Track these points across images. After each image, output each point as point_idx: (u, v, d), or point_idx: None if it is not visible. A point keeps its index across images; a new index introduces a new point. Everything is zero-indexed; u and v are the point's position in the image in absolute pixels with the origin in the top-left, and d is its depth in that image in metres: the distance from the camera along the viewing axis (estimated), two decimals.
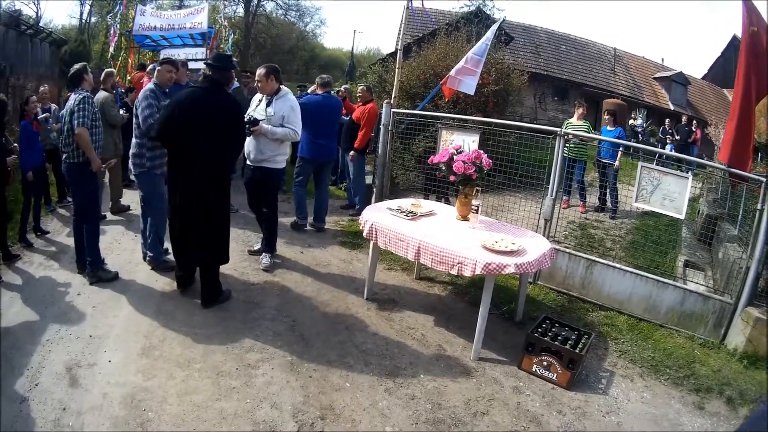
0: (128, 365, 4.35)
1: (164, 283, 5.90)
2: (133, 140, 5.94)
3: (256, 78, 6.28)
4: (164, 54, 16.62)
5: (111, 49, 16.63)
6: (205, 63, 5.52)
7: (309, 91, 8.45)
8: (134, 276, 6.08)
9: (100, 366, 4.31)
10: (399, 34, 9.34)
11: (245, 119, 6.01)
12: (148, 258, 6.27)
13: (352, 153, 8.91)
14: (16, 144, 6.42)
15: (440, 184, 7.42)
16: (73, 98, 5.64)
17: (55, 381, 4.08)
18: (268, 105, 6.23)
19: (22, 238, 6.90)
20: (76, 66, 5.92)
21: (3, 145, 6.14)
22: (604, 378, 4.70)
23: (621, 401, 4.38)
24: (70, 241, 6.97)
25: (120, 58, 16.77)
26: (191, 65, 11.72)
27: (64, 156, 5.79)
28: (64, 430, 3.58)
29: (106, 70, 9.42)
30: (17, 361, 4.30)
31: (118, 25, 17.05)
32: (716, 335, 5.49)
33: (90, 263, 5.93)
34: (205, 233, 5.24)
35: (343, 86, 10.88)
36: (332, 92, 8.46)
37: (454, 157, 5.26)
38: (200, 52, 15.60)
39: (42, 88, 8.83)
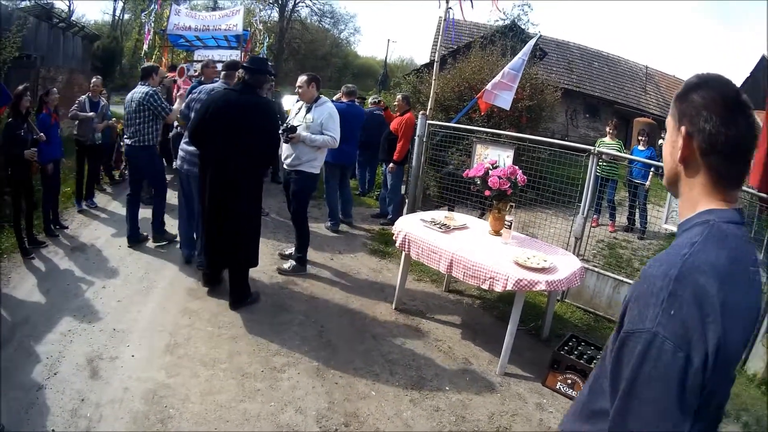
0: (151, 361, 4.39)
1: (192, 281, 5.96)
2: None
3: (297, 84, 6.35)
4: (198, 55, 16.75)
5: (145, 47, 16.73)
6: (241, 66, 5.57)
7: (334, 98, 8.59)
8: (161, 273, 6.15)
9: (123, 360, 4.36)
10: (436, 45, 9.27)
11: (284, 127, 6.10)
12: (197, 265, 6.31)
13: (391, 165, 8.99)
14: (42, 134, 6.49)
15: (469, 197, 7.43)
16: (141, 92, 6.47)
17: (74, 372, 4.13)
18: (307, 112, 6.32)
19: (47, 230, 7.00)
20: (149, 64, 7.28)
21: (23, 136, 6.22)
22: None
23: None
24: (97, 233, 7.21)
25: (153, 57, 16.91)
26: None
27: (130, 141, 6.55)
28: (80, 420, 3.62)
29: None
30: (35, 350, 4.35)
31: (153, 24, 17.16)
32: None
33: (156, 228, 6.72)
34: (233, 236, 5.27)
35: (372, 98, 10.88)
36: (356, 101, 8.91)
37: (490, 171, 5.27)
38: (235, 54, 15.64)
39: (94, 80, 8.75)
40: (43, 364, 4.18)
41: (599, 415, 1.47)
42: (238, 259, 5.40)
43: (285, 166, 6.53)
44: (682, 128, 1.40)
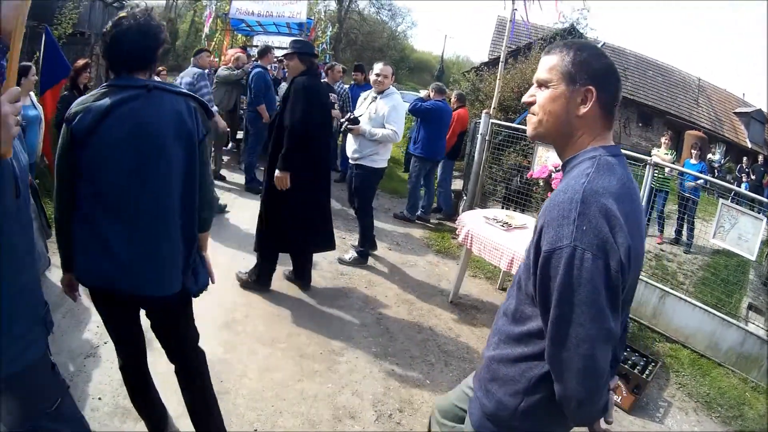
0: (208, 336, 4.19)
1: (252, 259, 5.70)
2: None
3: (381, 73, 6.00)
4: (258, 40, 16.97)
5: (206, 30, 16.90)
6: (296, 52, 5.08)
7: (423, 95, 8.85)
8: (221, 251, 6.16)
9: None
10: (495, 43, 9.23)
11: (347, 117, 6.07)
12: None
13: None
14: None
15: (523, 197, 7.56)
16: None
17: None
18: (372, 102, 6.10)
19: None
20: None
21: None
22: (662, 408, 4.74)
23: None
24: None
25: (215, 40, 17.07)
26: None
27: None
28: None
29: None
30: (86, 317, 4.38)
31: (215, 6, 17.32)
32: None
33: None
34: (330, 219, 5.53)
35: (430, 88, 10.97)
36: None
37: (553, 174, 5.38)
38: None
39: None
40: (93, 332, 4.22)
41: (529, 336, 1.78)
42: (333, 240, 5.63)
43: (350, 159, 6.34)
44: (591, 88, 1.70)
